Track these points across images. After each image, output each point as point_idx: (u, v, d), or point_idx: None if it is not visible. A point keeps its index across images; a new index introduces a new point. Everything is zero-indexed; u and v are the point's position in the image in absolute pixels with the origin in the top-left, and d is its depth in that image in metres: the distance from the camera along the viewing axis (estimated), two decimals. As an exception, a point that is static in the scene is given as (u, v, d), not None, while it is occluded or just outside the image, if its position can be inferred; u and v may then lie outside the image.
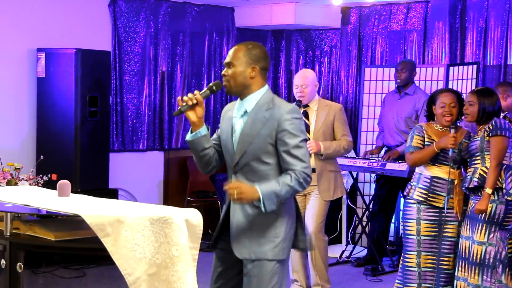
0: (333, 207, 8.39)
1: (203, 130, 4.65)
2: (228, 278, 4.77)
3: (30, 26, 9.50)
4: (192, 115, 4.61)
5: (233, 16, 11.10)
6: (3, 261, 4.49)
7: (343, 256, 9.29)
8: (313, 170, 7.22)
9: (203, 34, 10.91)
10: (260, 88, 4.74)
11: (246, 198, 4.48)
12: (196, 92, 4.70)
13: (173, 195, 10.71)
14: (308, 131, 7.36)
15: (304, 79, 7.46)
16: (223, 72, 4.75)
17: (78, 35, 9.81)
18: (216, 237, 4.78)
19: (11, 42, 9.37)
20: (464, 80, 9.09)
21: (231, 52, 4.76)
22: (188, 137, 4.73)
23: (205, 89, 4.83)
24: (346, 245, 9.70)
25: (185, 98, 4.64)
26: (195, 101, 4.60)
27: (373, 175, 9.26)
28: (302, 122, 4.75)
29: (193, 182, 10.67)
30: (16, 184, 8.30)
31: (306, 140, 4.70)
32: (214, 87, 4.81)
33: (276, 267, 4.65)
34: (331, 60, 10.88)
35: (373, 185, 9.53)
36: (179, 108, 4.66)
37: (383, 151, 8.94)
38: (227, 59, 4.73)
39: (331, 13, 10.52)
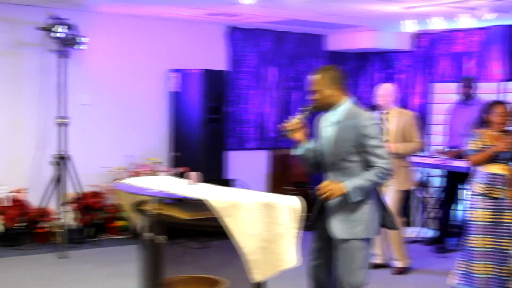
0: (406, 196, 8.20)
1: (308, 144, 4.72)
2: (324, 252, 4.78)
3: (166, 51, 9.80)
4: (298, 135, 4.68)
5: (324, 41, 11.07)
6: (149, 234, 4.56)
7: (415, 236, 9.20)
8: None
9: (301, 56, 10.92)
10: (343, 100, 4.71)
11: (335, 195, 4.52)
12: (296, 117, 4.72)
13: (276, 185, 10.61)
14: (386, 133, 7.39)
15: (383, 91, 7.51)
16: (311, 97, 4.76)
17: (202, 58, 9.99)
18: (314, 219, 4.78)
19: (152, 64, 9.74)
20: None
21: (312, 80, 4.75)
22: (298, 151, 4.77)
23: (302, 113, 4.77)
24: (418, 228, 9.60)
25: (289, 125, 4.69)
26: (298, 126, 4.66)
27: (440, 170, 9.13)
28: (379, 126, 4.76)
29: (291, 174, 10.56)
30: (155, 174, 8.42)
31: (384, 140, 4.72)
32: (308, 110, 4.77)
33: (364, 244, 4.66)
34: (404, 77, 10.74)
35: (440, 179, 9.35)
36: (287, 133, 4.72)
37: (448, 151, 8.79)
38: (311, 87, 4.73)
39: (404, 38, 10.42)
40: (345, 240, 4.63)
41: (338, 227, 4.64)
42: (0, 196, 8.72)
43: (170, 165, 9.65)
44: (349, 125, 4.62)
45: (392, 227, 4.97)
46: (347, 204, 4.63)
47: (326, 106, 4.73)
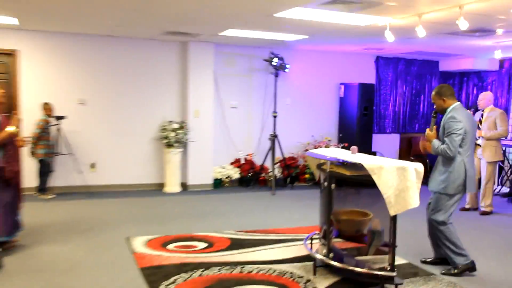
0: (496, 165, 7.60)
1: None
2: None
3: (336, 71, 9.86)
4: (432, 133, 4.68)
5: (438, 65, 10.81)
6: (325, 183, 4.45)
7: (496, 191, 8.93)
8: (480, 145, 7.04)
9: (422, 75, 10.70)
10: (449, 105, 4.61)
11: (428, 142, 4.63)
12: (428, 130, 4.66)
13: (403, 156, 10.49)
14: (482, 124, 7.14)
15: (483, 95, 7.23)
16: (434, 106, 4.69)
17: (359, 76, 10.03)
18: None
19: (328, 80, 9.84)
20: None
21: (432, 96, 4.71)
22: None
23: (432, 119, 4.73)
24: (497, 186, 9.31)
25: (429, 129, 4.67)
26: (432, 128, 4.65)
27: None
28: (456, 123, 4.48)
29: (413, 150, 10.40)
30: (328, 147, 8.73)
31: (454, 133, 4.47)
32: (434, 115, 4.72)
33: (446, 197, 4.59)
34: (492, 88, 10.29)
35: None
36: (427, 132, 4.65)
37: None
38: (432, 101, 4.69)
39: (493, 62, 10.05)
40: (434, 192, 4.67)
41: (432, 183, 4.69)
42: (240, 157, 9.23)
43: (337, 142, 9.80)
44: (443, 121, 4.59)
45: (470, 190, 4.63)
46: (439, 171, 4.62)
47: (442, 111, 4.67)
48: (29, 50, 8.05)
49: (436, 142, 4.62)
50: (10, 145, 4.99)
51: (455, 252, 4.70)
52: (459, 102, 4.66)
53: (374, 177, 4.04)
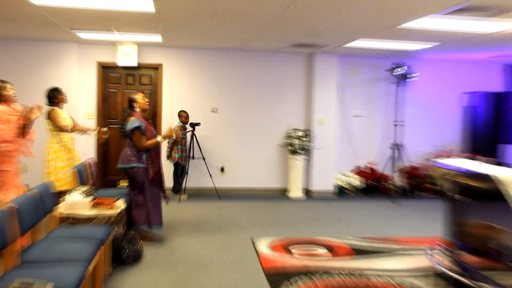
0: None
1: None
2: None
3: (461, 81, 9.32)
4: None
5: None
6: (452, 194, 4.26)
7: None
8: None
9: None
10: None
11: None
12: None
13: None
14: None
15: None
16: None
17: (484, 84, 9.40)
18: None
19: (453, 89, 9.39)
20: None
21: None
22: None
23: None
24: None
25: None
26: None
27: None
28: None
29: None
30: (451, 157, 8.37)
31: None
32: None
33: None
34: None
35: None
36: None
37: None
38: None
39: None
40: None
41: None
42: (361, 165, 9.07)
43: (462, 152, 9.22)
44: None
45: None
46: None
47: None
48: (170, 64, 8.54)
49: None
50: (153, 150, 5.43)
51: None
52: None
53: (509, 190, 3.71)
